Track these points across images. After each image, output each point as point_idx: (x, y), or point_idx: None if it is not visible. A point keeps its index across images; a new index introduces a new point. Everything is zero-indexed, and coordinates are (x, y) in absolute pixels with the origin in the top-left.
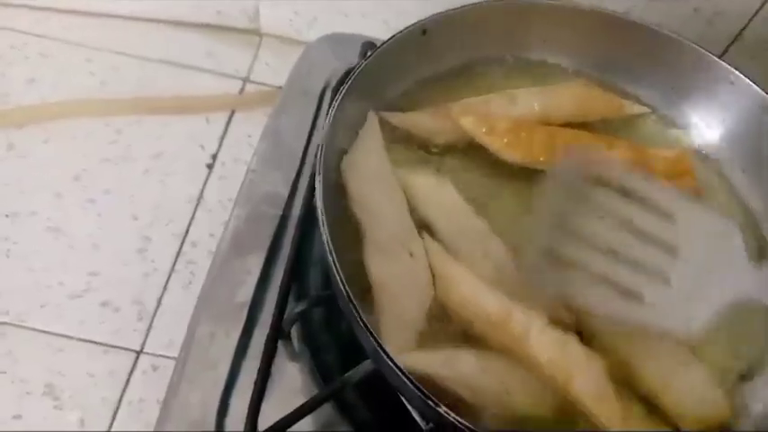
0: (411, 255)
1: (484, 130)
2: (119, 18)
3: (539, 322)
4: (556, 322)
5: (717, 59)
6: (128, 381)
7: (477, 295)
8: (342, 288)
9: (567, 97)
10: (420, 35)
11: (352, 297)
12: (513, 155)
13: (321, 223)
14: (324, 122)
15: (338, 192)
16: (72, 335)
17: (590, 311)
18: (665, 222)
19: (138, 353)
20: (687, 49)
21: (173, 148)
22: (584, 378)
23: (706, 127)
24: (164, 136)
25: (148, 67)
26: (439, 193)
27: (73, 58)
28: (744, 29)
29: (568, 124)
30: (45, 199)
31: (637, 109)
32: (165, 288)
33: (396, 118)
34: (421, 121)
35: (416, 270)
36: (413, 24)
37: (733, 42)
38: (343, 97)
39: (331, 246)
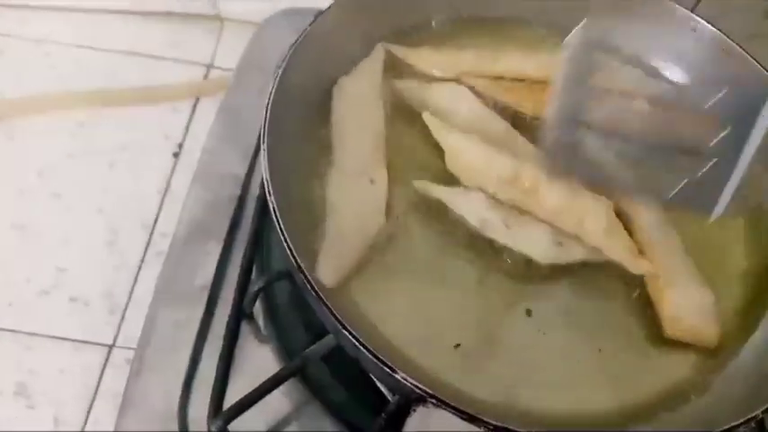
0: (372, 181)
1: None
2: (77, 11)
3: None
4: None
5: (678, 6)
6: (101, 376)
7: (485, 159)
8: (293, 258)
9: None
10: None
11: (303, 267)
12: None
13: (267, 191)
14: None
15: (288, 165)
16: (42, 332)
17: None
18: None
19: (111, 347)
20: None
21: (138, 140)
22: (593, 218)
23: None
24: (128, 127)
25: (111, 59)
26: (456, 100)
27: (32, 54)
28: None
29: None
30: (9, 196)
31: None
32: (135, 280)
33: (400, 51)
34: (425, 55)
35: (373, 197)
36: None
37: None
38: (288, 61)
39: (279, 215)
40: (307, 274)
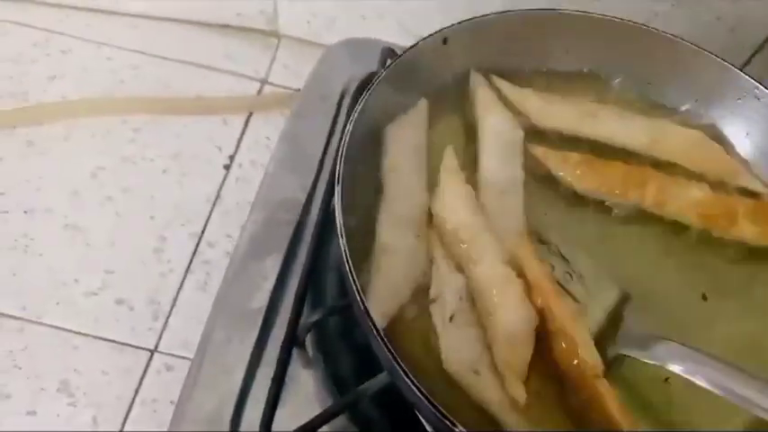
0: (417, 236)
1: (557, 160)
2: (139, 17)
3: (495, 255)
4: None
5: (741, 72)
6: (141, 380)
7: (457, 206)
8: (358, 299)
9: (679, 140)
10: (441, 44)
11: (369, 310)
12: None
13: (339, 233)
14: (345, 128)
15: (356, 200)
16: (87, 332)
17: None
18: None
19: (153, 352)
20: (710, 61)
21: (190, 149)
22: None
23: (732, 139)
24: (182, 136)
25: (167, 67)
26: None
27: (94, 56)
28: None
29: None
30: (63, 196)
31: (752, 184)
32: (180, 288)
33: (504, 85)
34: (527, 96)
35: (416, 250)
36: (434, 33)
37: (757, 52)
38: (363, 105)
39: (348, 256)
40: (372, 315)
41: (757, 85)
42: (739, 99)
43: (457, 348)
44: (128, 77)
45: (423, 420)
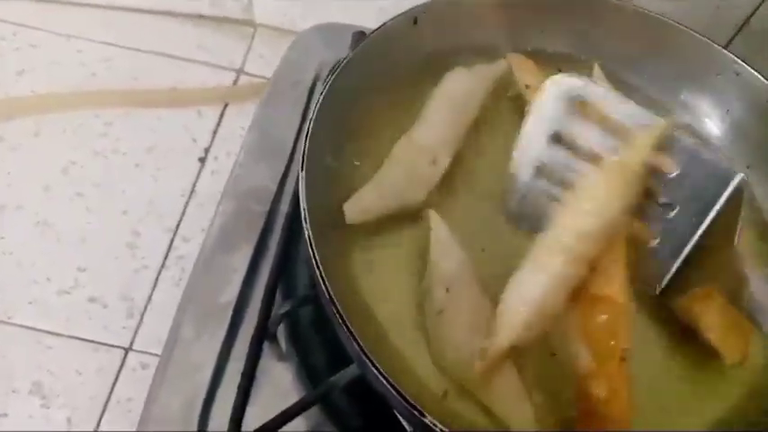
0: (433, 162)
1: None
2: (110, 9)
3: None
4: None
5: (722, 49)
6: (116, 379)
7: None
8: (324, 287)
9: None
10: (411, 24)
11: (334, 297)
12: None
13: (304, 218)
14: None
15: (324, 187)
16: (60, 332)
17: None
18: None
19: (127, 350)
20: (691, 39)
21: (164, 142)
22: None
23: (709, 120)
24: (155, 129)
25: (140, 59)
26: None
27: (64, 50)
28: (750, 17)
29: None
30: (33, 192)
31: None
32: (155, 284)
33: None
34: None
35: (426, 173)
36: (403, 13)
37: (738, 32)
38: (329, 87)
39: (313, 242)
40: (338, 306)
41: (737, 60)
42: (719, 75)
43: (447, 341)
44: (99, 70)
45: (396, 411)
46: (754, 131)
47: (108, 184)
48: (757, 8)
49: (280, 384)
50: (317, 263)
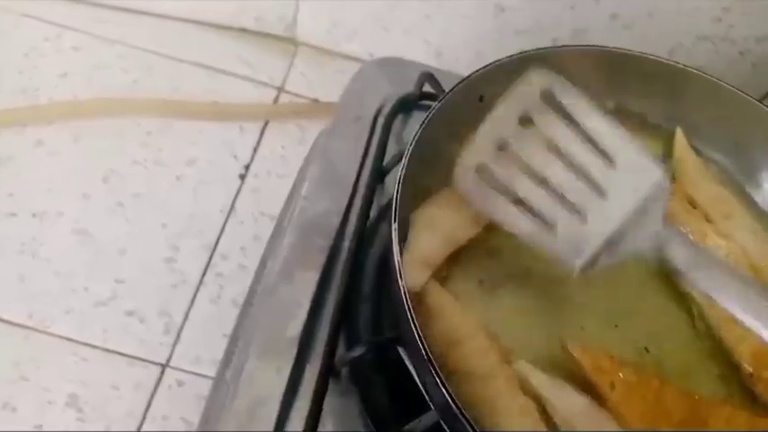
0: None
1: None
2: (154, 16)
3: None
4: None
5: None
6: (152, 395)
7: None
8: (422, 349)
9: None
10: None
11: (431, 356)
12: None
13: (399, 276)
14: (402, 161)
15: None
16: (97, 344)
17: (504, 227)
18: (603, 162)
19: (164, 366)
20: (751, 105)
21: (206, 155)
22: None
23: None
24: (197, 142)
25: (181, 69)
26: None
27: (106, 54)
28: None
29: None
30: (73, 200)
31: None
32: (192, 301)
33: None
34: None
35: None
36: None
37: None
38: (421, 132)
39: (408, 296)
40: (431, 356)
41: None
42: None
43: None
44: (141, 78)
45: None
46: None
47: (148, 196)
48: None
49: (341, 423)
50: (413, 323)
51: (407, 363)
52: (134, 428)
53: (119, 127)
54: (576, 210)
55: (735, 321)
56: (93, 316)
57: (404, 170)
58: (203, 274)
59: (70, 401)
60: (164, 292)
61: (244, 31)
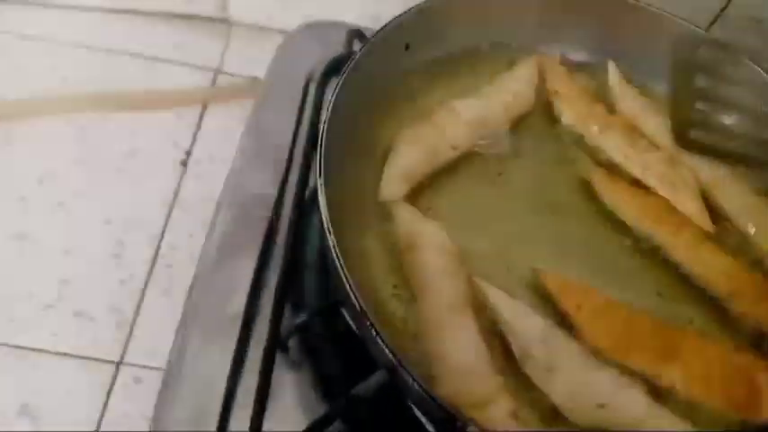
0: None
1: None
2: (79, 9)
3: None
4: None
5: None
6: (108, 395)
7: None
8: (355, 302)
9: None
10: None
11: (366, 310)
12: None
13: (327, 230)
14: (322, 121)
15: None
16: (46, 348)
17: None
18: None
19: (119, 364)
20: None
21: (144, 146)
22: None
23: None
24: (133, 133)
25: (113, 61)
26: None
27: (32, 53)
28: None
29: None
30: (9, 204)
31: None
32: (143, 294)
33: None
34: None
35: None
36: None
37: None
38: (338, 91)
39: (339, 255)
40: (370, 317)
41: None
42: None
43: (576, 392)
44: (70, 74)
45: (423, 419)
46: None
47: (88, 192)
48: None
49: (292, 395)
50: (346, 277)
51: (350, 323)
52: (92, 430)
53: (52, 126)
54: None
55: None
56: (41, 320)
57: (326, 124)
58: (152, 267)
59: (23, 410)
60: (112, 289)
61: (174, 15)
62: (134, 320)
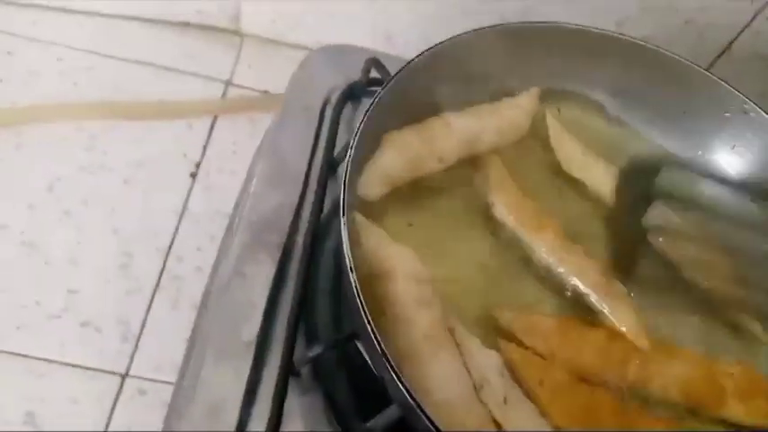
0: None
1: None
2: (92, 15)
3: None
4: None
5: (731, 88)
6: (113, 407)
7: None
8: (377, 345)
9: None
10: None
11: (385, 350)
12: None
13: (350, 269)
14: (348, 152)
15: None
16: (52, 358)
17: None
18: None
19: (124, 376)
20: (696, 74)
21: (153, 156)
22: None
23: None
24: (143, 142)
25: (124, 69)
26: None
27: (42, 58)
28: (733, 42)
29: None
30: (18, 211)
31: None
32: (149, 306)
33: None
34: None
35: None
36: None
37: (721, 55)
38: (362, 129)
39: (360, 292)
40: (389, 358)
41: (746, 99)
42: (727, 113)
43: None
44: (81, 80)
45: None
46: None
47: (96, 202)
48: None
49: (303, 422)
50: (365, 314)
51: (366, 357)
52: None
53: (61, 132)
54: None
55: None
56: (47, 329)
57: (349, 163)
58: (159, 279)
59: (28, 419)
60: (119, 300)
61: (186, 25)
62: (140, 332)
